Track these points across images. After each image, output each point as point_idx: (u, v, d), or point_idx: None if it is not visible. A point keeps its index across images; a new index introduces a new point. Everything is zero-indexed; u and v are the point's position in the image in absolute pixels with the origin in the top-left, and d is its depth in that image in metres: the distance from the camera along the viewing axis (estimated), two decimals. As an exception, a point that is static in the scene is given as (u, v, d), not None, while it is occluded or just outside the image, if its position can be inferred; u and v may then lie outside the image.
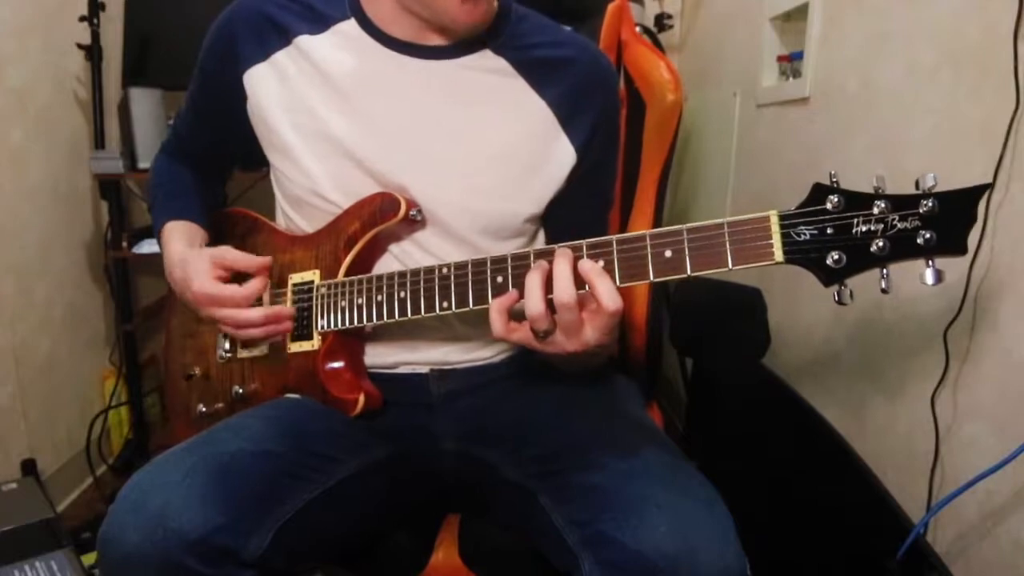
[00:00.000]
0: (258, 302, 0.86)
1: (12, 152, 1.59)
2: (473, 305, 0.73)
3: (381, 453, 0.84)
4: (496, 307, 0.70)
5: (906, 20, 1.02)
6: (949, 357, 0.92)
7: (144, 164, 1.69)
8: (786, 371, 1.28)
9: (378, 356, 0.88)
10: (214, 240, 0.97)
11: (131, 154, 1.70)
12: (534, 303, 0.67)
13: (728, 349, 1.21)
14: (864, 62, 1.12)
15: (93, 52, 1.75)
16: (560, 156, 0.87)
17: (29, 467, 1.58)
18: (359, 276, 0.82)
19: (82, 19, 1.72)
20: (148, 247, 1.76)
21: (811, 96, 1.29)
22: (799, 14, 1.33)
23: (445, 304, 0.75)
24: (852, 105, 1.16)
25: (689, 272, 0.64)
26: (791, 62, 1.41)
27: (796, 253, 0.60)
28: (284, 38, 0.86)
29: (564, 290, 0.66)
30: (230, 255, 0.86)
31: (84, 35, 1.74)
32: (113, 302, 1.88)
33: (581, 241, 0.68)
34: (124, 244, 1.75)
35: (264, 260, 0.86)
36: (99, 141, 1.78)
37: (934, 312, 0.94)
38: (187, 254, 0.87)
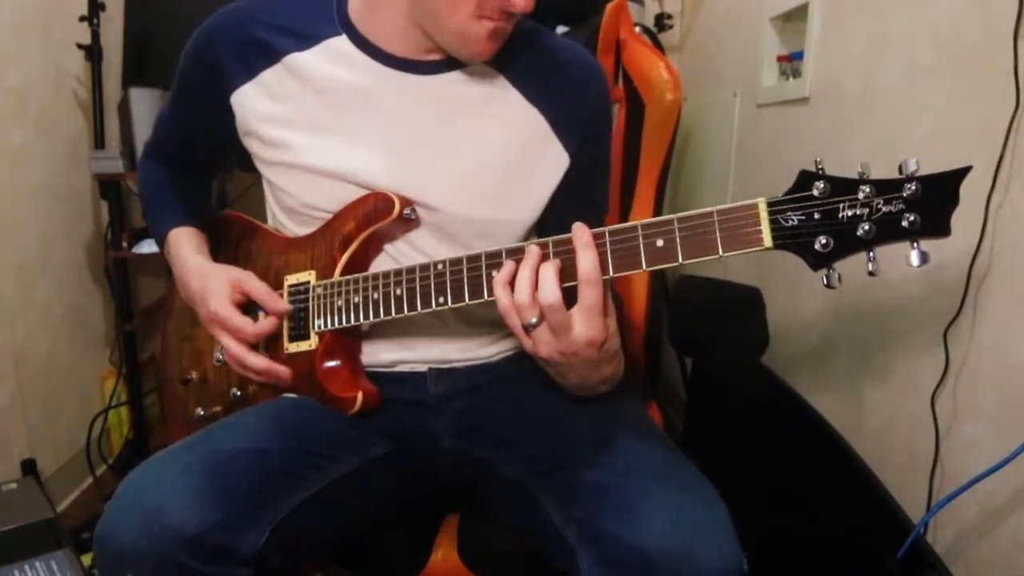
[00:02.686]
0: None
1: (12, 152, 1.59)
2: (469, 300, 0.73)
3: (379, 452, 0.84)
4: (499, 281, 0.70)
5: (906, 20, 1.02)
6: (949, 357, 0.92)
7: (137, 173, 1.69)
8: (785, 370, 1.28)
9: (376, 355, 0.88)
10: (211, 244, 0.97)
11: (131, 154, 1.70)
12: (521, 291, 0.68)
13: (727, 348, 1.21)
14: (864, 62, 1.12)
15: (93, 52, 1.75)
16: (554, 161, 0.87)
17: (29, 467, 1.58)
18: (355, 275, 0.82)
19: (82, 19, 1.72)
20: (148, 247, 1.75)
21: (811, 96, 1.29)
22: (799, 14, 1.33)
23: (441, 300, 0.75)
24: (852, 105, 1.16)
25: (680, 260, 0.65)
26: (791, 62, 1.41)
27: (785, 238, 0.62)
28: (271, 57, 0.85)
29: (550, 293, 0.67)
30: (250, 285, 0.85)
31: (84, 35, 1.74)
32: (113, 302, 1.88)
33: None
34: (124, 244, 1.75)
35: (284, 306, 0.85)
36: (99, 141, 1.78)
37: (934, 312, 0.94)
38: (207, 267, 0.88)
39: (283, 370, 0.84)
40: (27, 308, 1.64)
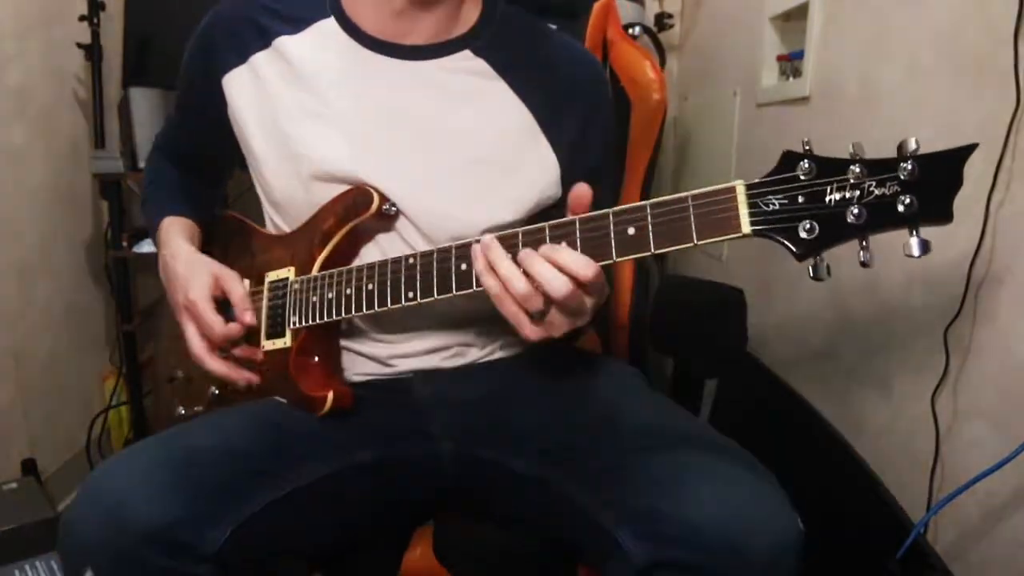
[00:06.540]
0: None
1: (12, 152, 1.59)
2: (437, 295, 0.72)
3: (364, 457, 0.82)
4: (483, 268, 0.66)
5: (906, 20, 1.02)
6: (949, 357, 0.92)
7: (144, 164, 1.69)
8: (786, 370, 1.28)
9: (359, 365, 0.87)
10: (203, 242, 0.96)
11: (131, 154, 1.70)
12: (519, 284, 0.63)
13: (705, 349, 1.19)
14: (864, 62, 1.12)
15: (93, 52, 1.74)
16: (540, 162, 0.84)
17: (29, 467, 1.58)
18: (330, 271, 0.81)
19: (82, 19, 1.72)
20: (148, 247, 1.75)
21: (811, 96, 1.28)
22: (799, 14, 1.33)
23: (411, 294, 0.73)
24: (852, 105, 1.16)
25: (653, 249, 0.61)
26: (791, 62, 1.41)
27: (764, 224, 0.57)
28: (264, 40, 0.85)
29: (563, 285, 0.62)
30: (230, 284, 0.84)
31: (84, 35, 1.74)
32: (113, 302, 1.88)
33: (544, 224, 0.66)
34: (124, 244, 1.75)
35: (248, 319, 0.83)
36: (99, 141, 1.78)
37: (934, 311, 0.94)
38: (195, 256, 0.87)
39: (246, 375, 0.83)
40: (27, 308, 1.64)
